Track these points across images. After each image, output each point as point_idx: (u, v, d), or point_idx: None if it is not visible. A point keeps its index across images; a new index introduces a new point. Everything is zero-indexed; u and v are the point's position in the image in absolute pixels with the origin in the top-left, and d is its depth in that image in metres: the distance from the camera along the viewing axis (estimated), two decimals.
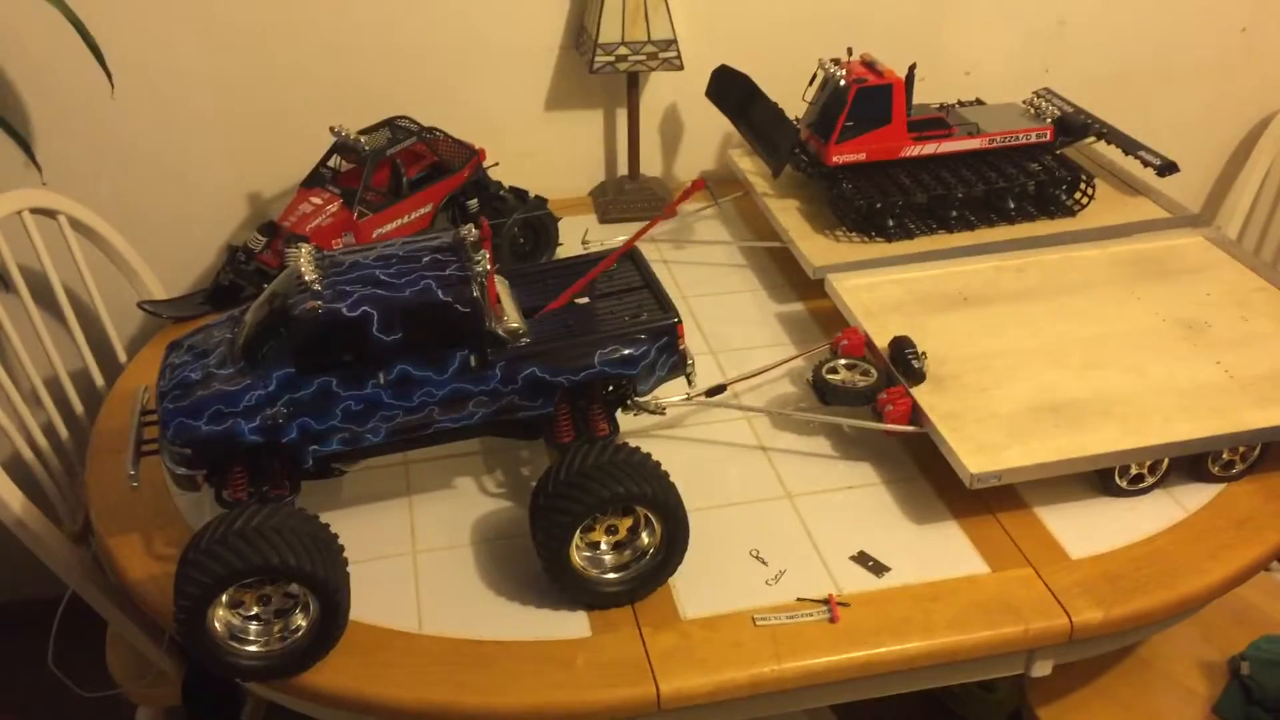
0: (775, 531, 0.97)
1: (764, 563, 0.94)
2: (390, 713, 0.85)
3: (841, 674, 0.87)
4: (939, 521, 0.99)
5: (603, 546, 0.89)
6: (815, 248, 1.28)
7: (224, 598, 0.80)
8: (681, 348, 0.93)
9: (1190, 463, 1.01)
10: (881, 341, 1.07)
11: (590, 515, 0.85)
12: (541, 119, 1.51)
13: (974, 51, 1.59)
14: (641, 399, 0.98)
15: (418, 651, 0.87)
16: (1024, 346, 1.08)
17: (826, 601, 0.90)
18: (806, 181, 1.41)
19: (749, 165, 1.48)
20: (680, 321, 0.93)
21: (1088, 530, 0.97)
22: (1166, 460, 0.99)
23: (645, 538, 0.89)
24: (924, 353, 1.05)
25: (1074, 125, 1.38)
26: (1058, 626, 0.89)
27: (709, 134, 1.57)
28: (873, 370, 1.06)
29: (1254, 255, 1.22)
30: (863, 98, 1.28)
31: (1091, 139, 1.39)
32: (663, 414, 1.01)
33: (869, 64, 1.32)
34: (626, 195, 1.50)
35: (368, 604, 0.90)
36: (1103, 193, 1.37)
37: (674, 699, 0.84)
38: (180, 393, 0.87)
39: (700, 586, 0.92)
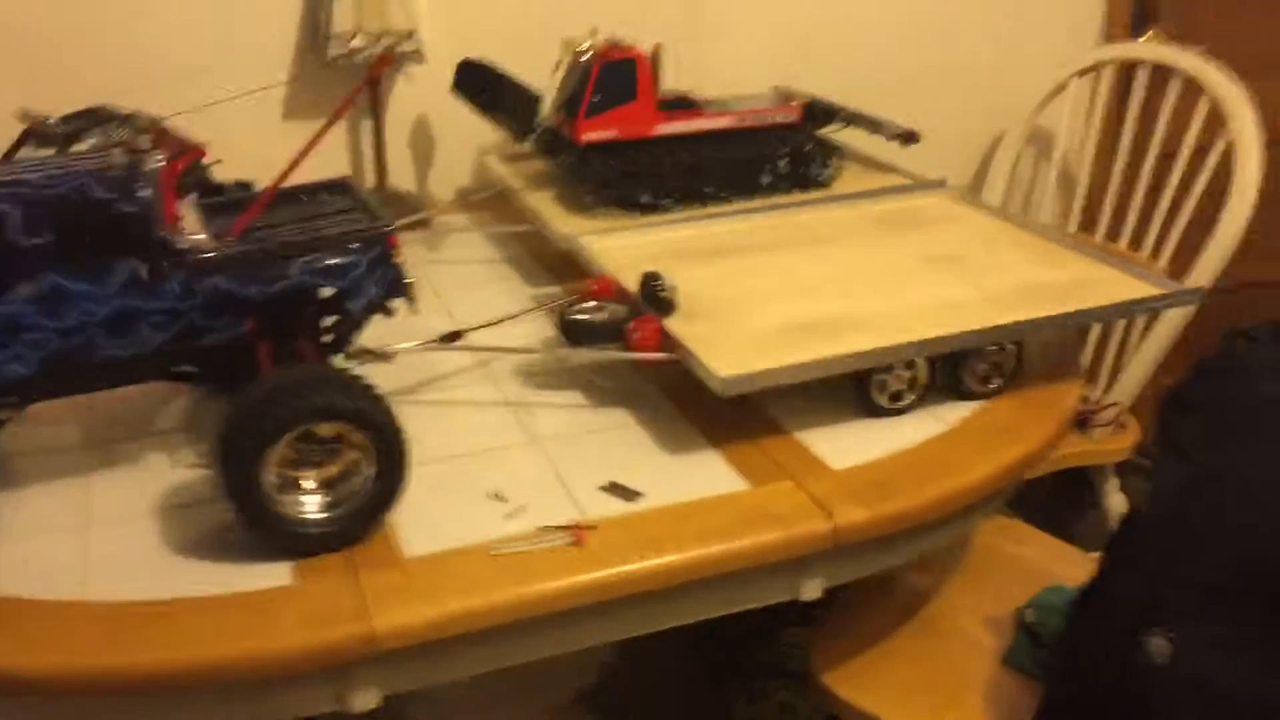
0: (518, 474, 0.88)
1: (503, 500, 0.84)
2: (40, 685, 0.69)
3: (589, 595, 0.76)
4: (697, 451, 0.91)
5: (308, 485, 0.77)
6: (567, 225, 1.23)
7: None
8: (398, 262, 0.84)
9: (949, 380, 0.98)
10: (632, 286, 1.01)
11: (282, 433, 0.73)
12: (278, 127, 1.42)
13: (726, 66, 1.61)
14: (368, 346, 0.88)
15: (72, 619, 0.72)
16: (778, 284, 1.04)
17: (571, 528, 0.80)
18: (563, 177, 1.37)
19: (504, 169, 1.43)
20: (394, 231, 0.84)
21: (850, 446, 0.92)
22: (925, 373, 0.95)
23: (358, 475, 0.78)
24: (675, 286, 0.99)
25: (821, 110, 1.40)
26: (821, 530, 0.82)
27: (466, 147, 1.52)
28: (621, 310, 1.00)
29: (998, 207, 1.24)
30: (607, 72, 1.25)
31: (839, 125, 1.41)
32: (389, 359, 0.92)
33: (614, 44, 1.30)
34: None
35: (26, 582, 0.75)
36: (854, 172, 1.38)
37: (393, 636, 0.72)
38: None
39: (428, 526, 0.81)
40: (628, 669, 1.55)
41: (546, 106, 1.27)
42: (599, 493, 0.85)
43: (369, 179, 1.47)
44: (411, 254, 1.32)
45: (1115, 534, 0.88)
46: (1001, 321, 0.94)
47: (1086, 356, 1.67)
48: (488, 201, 1.47)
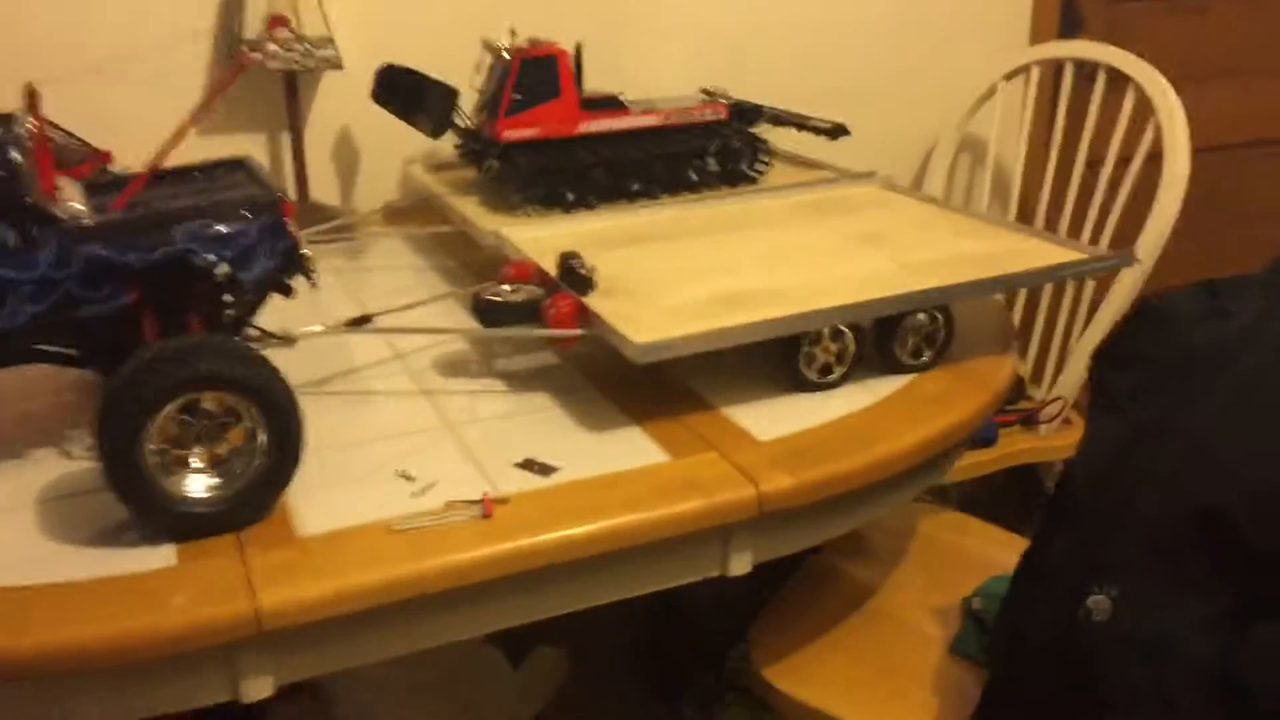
0: (429, 456, 0.83)
1: (411, 479, 0.80)
2: None
3: (499, 568, 0.72)
4: (619, 428, 0.87)
5: (196, 464, 0.72)
6: (492, 223, 1.20)
7: None
8: (292, 232, 0.80)
9: (880, 353, 0.95)
10: (551, 270, 0.98)
11: (162, 404, 0.68)
12: (190, 136, 1.39)
13: (655, 75, 1.60)
14: (267, 329, 0.84)
15: None
16: (702, 264, 1.02)
17: (480, 501, 0.76)
18: (489, 183, 1.34)
19: (430, 178, 1.40)
20: (286, 200, 0.80)
21: (777, 419, 0.88)
22: (853, 345, 0.92)
23: (249, 453, 0.73)
24: (594, 266, 0.96)
25: (747, 109, 1.38)
26: (745, 497, 0.78)
27: (392, 158, 1.49)
28: (539, 291, 0.96)
29: (929, 194, 1.23)
30: (528, 69, 1.23)
31: (766, 122, 1.40)
32: (292, 344, 0.87)
33: (534, 42, 1.29)
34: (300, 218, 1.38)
35: None
36: (785, 169, 1.37)
37: (281, 613, 0.67)
38: None
39: (327, 506, 0.76)
40: (577, 692, 1.49)
41: (464, 102, 1.25)
42: (514, 469, 0.81)
43: (290, 194, 1.44)
44: (332, 264, 1.29)
45: (1050, 497, 0.85)
46: (924, 286, 0.92)
47: (1031, 354, 1.66)
48: (414, 212, 1.44)
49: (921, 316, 0.95)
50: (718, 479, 0.79)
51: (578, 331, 0.90)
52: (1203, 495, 0.72)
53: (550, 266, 0.98)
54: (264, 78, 1.38)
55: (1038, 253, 1.00)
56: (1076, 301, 1.60)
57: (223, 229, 0.76)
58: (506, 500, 0.76)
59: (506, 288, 0.96)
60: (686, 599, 1.21)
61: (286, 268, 0.81)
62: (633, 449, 0.84)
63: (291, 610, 0.67)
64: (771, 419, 0.88)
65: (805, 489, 0.80)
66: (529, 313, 0.92)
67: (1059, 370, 1.56)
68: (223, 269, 0.74)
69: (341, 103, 1.44)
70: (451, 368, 0.99)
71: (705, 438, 0.85)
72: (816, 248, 1.05)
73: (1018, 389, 1.55)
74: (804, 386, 0.93)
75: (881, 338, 0.95)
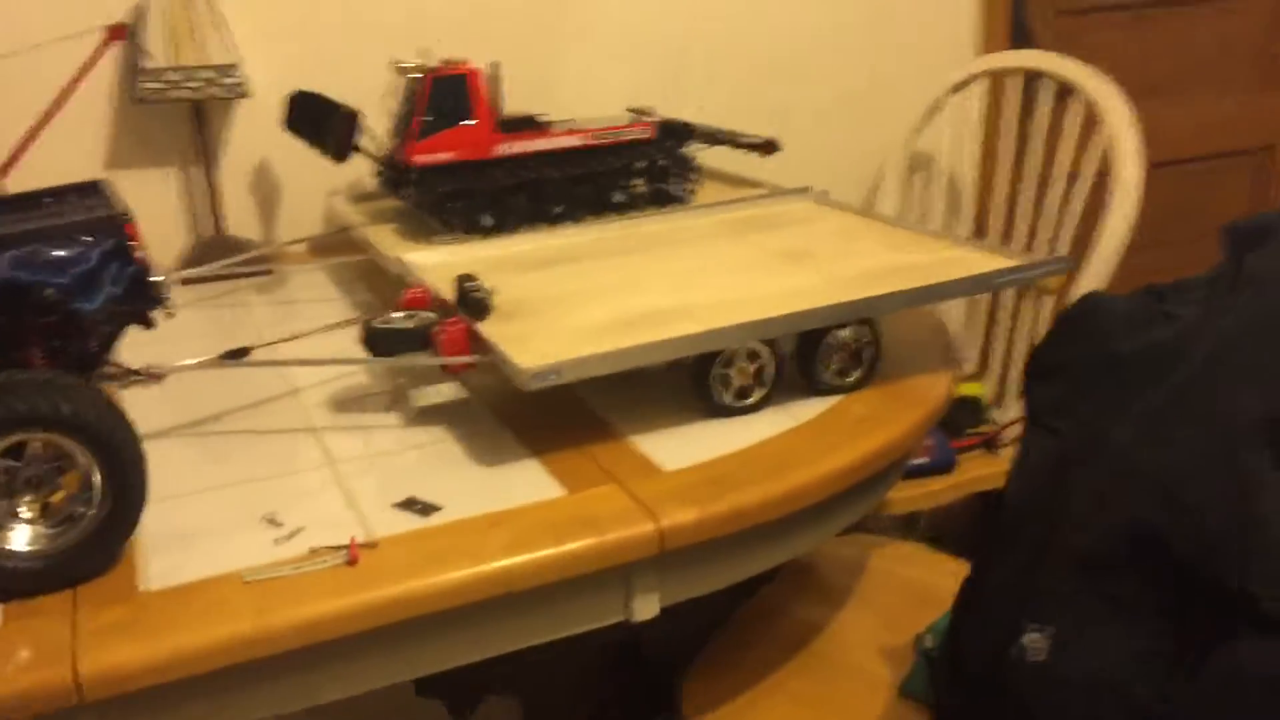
0: (303, 498, 0.76)
1: (277, 525, 0.72)
2: None
3: (356, 622, 0.64)
4: (514, 461, 0.80)
5: (23, 515, 0.65)
6: (402, 250, 1.13)
7: None
8: (139, 256, 0.73)
9: (803, 374, 0.88)
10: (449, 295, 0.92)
11: None
12: (96, 173, 1.32)
13: (590, 95, 1.55)
14: (130, 365, 0.77)
15: None
16: (611, 284, 0.95)
17: (345, 547, 0.68)
18: (410, 213, 1.28)
19: (350, 208, 1.34)
20: (129, 221, 0.73)
21: (688, 448, 0.81)
22: (772, 365, 0.86)
23: (83, 503, 0.65)
24: (493, 288, 0.89)
25: (676, 127, 1.33)
26: (644, 534, 0.71)
27: (314, 190, 1.43)
28: (432, 317, 0.90)
29: (865, 207, 1.17)
30: (440, 89, 1.17)
31: (697, 141, 1.34)
32: (159, 380, 0.80)
33: (446, 62, 1.23)
34: (208, 253, 1.31)
35: None
36: (717, 188, 1.31)
37: (105, 680, 0.59)
38: None
39: (178, 557, 0.69)
40: None
41: (370, 123, 1.19)
42: (393, 510, 0.74)
43: (208, 229, 1.37)
44: (245, 298, 1.22)
45: (987, 523, 0.78)
46: (847, 299, 0.85)
47: (991, 376, 1.59)
48: (340, 244, 1.38)
49: (846, 332, 0.88)
50: (614, 514, 0.72)
51: (470, 358, 0.83)
52: (1131, 513, 0.65)
53: (449, 291, 0.92)
54: (172, 110, 1.32)
55: (970, 261, 0.94)
56: (1036, 322, 1.54)
57: (57, 254, 0.70)
58: (375, 545, 0.69)
59: (399, 315, 0.89)
60: (644, 636, 1.14)
61: (135, 296, 0.73)
62: (526, 483, 0.77)
63: (116, 677, 0.59)
64: (682, 447, 0.81)
65: (711, 523, 0.72)
66: (419, 340, 0.85)
67: (1019, 389, 1.50)
68: (50, 294, 0.67)
69: (259, 132, 1.38)
70: (347, 402, 0.92)
71: (607, 469, 0.78)
72: (736, 265, 0.98)
73: (977, 412, 1.49)
74: (719, 411, 0.86)
75: (804, 357, 0.88)
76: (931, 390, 0.90)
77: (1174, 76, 1.98)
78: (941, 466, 1.39)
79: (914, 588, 1.12)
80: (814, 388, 0.89)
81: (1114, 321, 0.72)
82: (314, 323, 1.14)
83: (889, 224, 1.08)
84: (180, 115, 1.32)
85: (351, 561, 0.67)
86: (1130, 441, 0.66)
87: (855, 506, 0.85)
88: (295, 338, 0.93)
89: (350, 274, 1.30)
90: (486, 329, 0.84)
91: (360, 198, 1.38)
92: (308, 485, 0.78)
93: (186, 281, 1.27)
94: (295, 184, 1.42)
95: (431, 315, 0.89)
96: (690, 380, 0.86)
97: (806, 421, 0.85)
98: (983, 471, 1.42)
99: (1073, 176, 1.51)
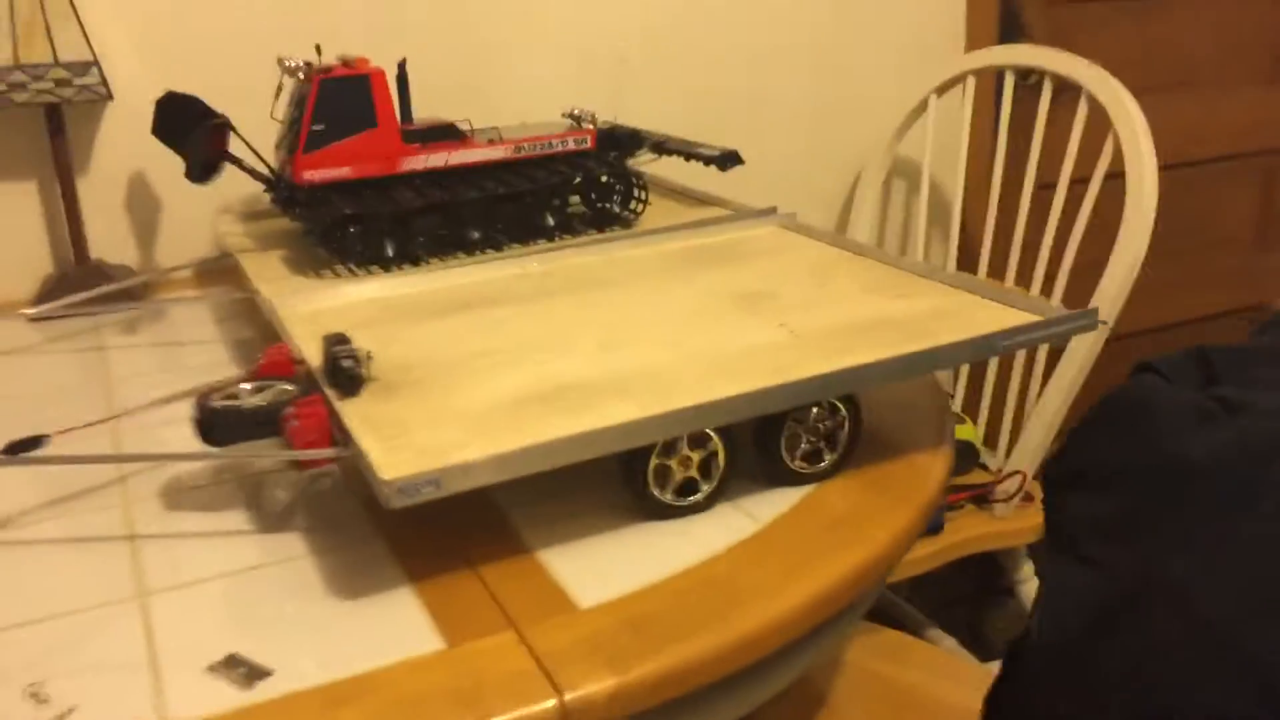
0: (90, 652, 0.57)
1: (43, 700, 0.53)
2: None
3: None
4: (384, 592, 0.61)
5: None
6: (286, 288, 0.94)
7: None
8: None
9: (762, 458, 0.70)
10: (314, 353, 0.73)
11: None
12: None
13: (529, 102, 1.36)
14: None
15: None
16: (525, 341, 0.76)
17: None
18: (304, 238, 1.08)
19: (238, 228, 1.14)
20: None
21: (613, 567, 0.63)
22: (723, 453, 0.67)
23: None
24: (369, 353, 0.70)
25: (622, 136, 1.14)
26: (538, 715, 0.52)
27: (201, 207, 1.23)
28: (289, 388, 0.70)
29: (838, 234, 0.99)
30: (330, 93, 0.98)
31: (646, 152, 1.15)
32: None
33: (342, 60, 1.03)
34: (69, 284, 1.11)
35: None
36: (670, 207, 1.12)
37: None
38: None
39: None
40: None
41: (220, 119, 0.99)
42: (206, 674, 0.55)
43: (70, 256, 1.17)
44: (103, 340, 1.02)
45: (996, 679, 0.60)
46: (818, 371, 0.67)
47: (981, 417, 1.42)
48: (226, 274, 1.18)
49: (818, 409, 0.70)
50: (504, 683, 0.53)
51: (328, 453, 0.64)
52: (1207, 699, 0.47)
53: (315, 351, 0.72)
54: (23, 116, 1.12)
55: (976, 314, 0.76)
56: (1033, 349, 1.36)
57: None
58: None
59: (247, 387, 0.70)
60: None
61: None
62: (395, 629, 0.58)
63: None
64: (605, 568, 0.62)
65: (634, 693, 0.54)
66: (267, 424, 0.66)
67: (1015, 435, 1.32)
68: None
69: (131, 141, 1.18)
70: (185, 495, 0.72)
71: (503, 605, 0.59)
72: (682, 313, 0.79)
73: (967, 459, 1.31)
74: (656, 512, 0.67)
75: (764, 438, 0.70)
76: (925, 476, 0.72)
77: (1178, 71, 1.80)
78: (929, 528, 1.21)
79: (896, 691, 0.94)
80: (776, 478, 0.71)
81: (1176, 414, 0.53)
82: (180, 371, 0.94)
83: (868, 257, 0.90)
84: (33, 122, 1.12)
85: None
86: (1206, 595, 0.48)
87: (823, 644, 0.67)
88: (96, 423, 0.74)
89: (237, 309, 1.10)
90: (353, 411, 0.65)
91: (253, 216, 1.18)
92: (101, 631, 0.58)
93: (34, 319, 1.07)
94: (178, 201, 1.22)
95: (290, 389, 0.70)
96: (620, 471, 0.67)
97: (767, 525, 0.66)
98: (974, 532, 1.25)
99: (1075, 188, 1.33)
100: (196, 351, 1.00)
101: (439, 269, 0.94)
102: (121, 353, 1.01)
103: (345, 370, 0.68)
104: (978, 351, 0.71)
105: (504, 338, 0.77)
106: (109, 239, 1.19)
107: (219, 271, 1.20)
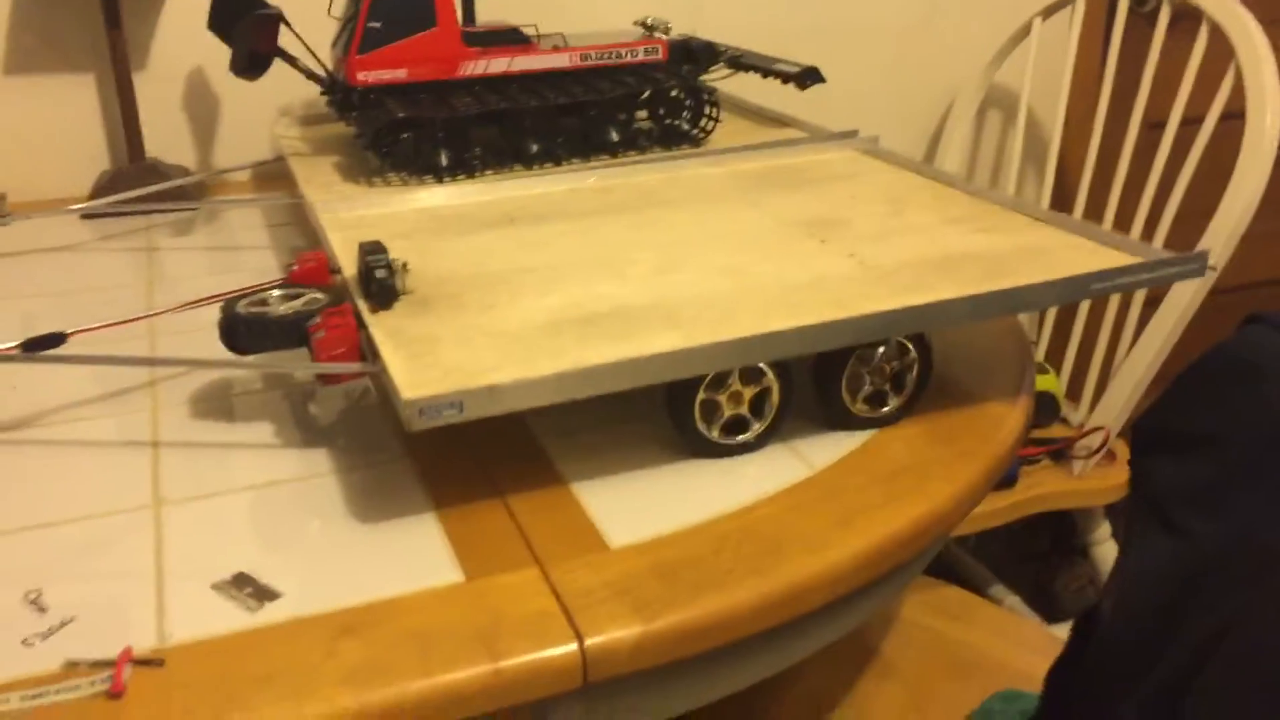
0: (94, 561, 0.54)
1: (41, 609, 0.51)
2: None
3: None
4: (407, 517, 0.58)
5: None
6: (334, 195, 0.90)
7: None
8: None
9: (822, 399, 0.65)
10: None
11: None
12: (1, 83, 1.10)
13: (598, 4, 1.29)
14: None
15: None
16: (573, 260, 0.71)
17: (111, 664, 0.47)
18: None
19: (295, 132, 1.10)
20: None
21: (651, 508, 0.58)
22: (778, 390, 0.62)
23: None
24: (405, 264, 0.66)
25: (696, 47, 1.07)
26: (561, 659, 0.48)
27: (261, 109, 1.19)
28: (321, 296, 0.67)
29: (923, 163, 0.91)
30: None
31: (721, 66, 1.08)
32: None
33: None
34: (123, 182, 1.09)
35: None
36: (745, 129, 1.05)
37: None
38: None
39: None
40: None
41: (274, 12, 0.94)
42: (211, 592, 0.52)
43: (125, 153, 1.14)
44: (154, 241, 1.00)
45: (1060, 658, 0.54)
46: (885, 307, 0.61)
47: (1065, 368, 1.34)
48: (283, 177, 1.15)
49: (884, 349, 0.64)
50: (523, 623, 0.49)
51: (356, 367, 0.60)
52: None
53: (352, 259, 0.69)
54: (82, 4, 1.09)
55: (1061, 252, 0.69)
56: (1127, 298, 1.28)
57: None
58: (160, 662, 0.47)
59: (277, 295, 0.67)
60: None
61: None
62: (413, 558, 0.54)
63: None
64: (642, 505, 0.58)
65: (660, 643, 0.50)
66: (293, 334, 0.63)
67: (1101, 389, 1.24)
68: None
69: (191, 35, 1.15)
70: (216, 401, 0.70)
71: (529, 539, 0.55)
72: (745, 237, 0.74)
73: (1047, 411, 1.23)
74: (703, 450, 0.62)
75: (824, 377, 0.64)
76: (999, 429, 0.66)
77: None
78: (1002, 480, 1.15)
79: (954, 651, 0.89)
80: (835, 420, 0.65)
81: (1277, 371, 0.47)
82: (230, 274, 0.92)
83: (952, 187, 0.83)
84: (90, 13, 1.09)
85: (114, 693, 0.45)
86: None
87: (873, 601, 0.62)
88: (116, 324, 0.71)
89: (291, 214, 1.07)
90: (382, 324, 0.61)
91: (312, 119, 1.15)
92: (109, 539, 0.56)
93: (87, 216, 1.05)
94: (237, 101, 1.18)
95: (321, 297, 0.66)
96: (665, 403, 0.63)
97: (822, 471, 0.61)
98: (1050, 489, 1.18)
99: (1187, 128, 1.23)
100: (248, 256, 0.98)
101: (493, 180, 0.89)
102: (172, 254, 0.98)
103: (379, 280, 0.63)
104: (1066, 294, 0.64)
105: (551, 254, 0.72)
106: (165, 137, 1.16)
107: (275, 175, 1.16)
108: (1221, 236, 1.14)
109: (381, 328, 0.61)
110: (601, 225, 0.78)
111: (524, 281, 0.68)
